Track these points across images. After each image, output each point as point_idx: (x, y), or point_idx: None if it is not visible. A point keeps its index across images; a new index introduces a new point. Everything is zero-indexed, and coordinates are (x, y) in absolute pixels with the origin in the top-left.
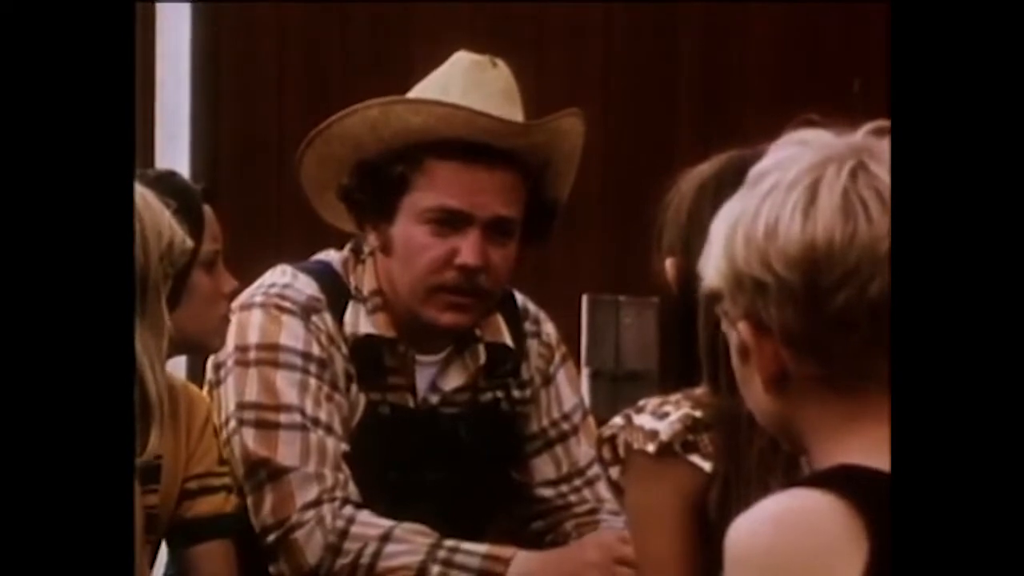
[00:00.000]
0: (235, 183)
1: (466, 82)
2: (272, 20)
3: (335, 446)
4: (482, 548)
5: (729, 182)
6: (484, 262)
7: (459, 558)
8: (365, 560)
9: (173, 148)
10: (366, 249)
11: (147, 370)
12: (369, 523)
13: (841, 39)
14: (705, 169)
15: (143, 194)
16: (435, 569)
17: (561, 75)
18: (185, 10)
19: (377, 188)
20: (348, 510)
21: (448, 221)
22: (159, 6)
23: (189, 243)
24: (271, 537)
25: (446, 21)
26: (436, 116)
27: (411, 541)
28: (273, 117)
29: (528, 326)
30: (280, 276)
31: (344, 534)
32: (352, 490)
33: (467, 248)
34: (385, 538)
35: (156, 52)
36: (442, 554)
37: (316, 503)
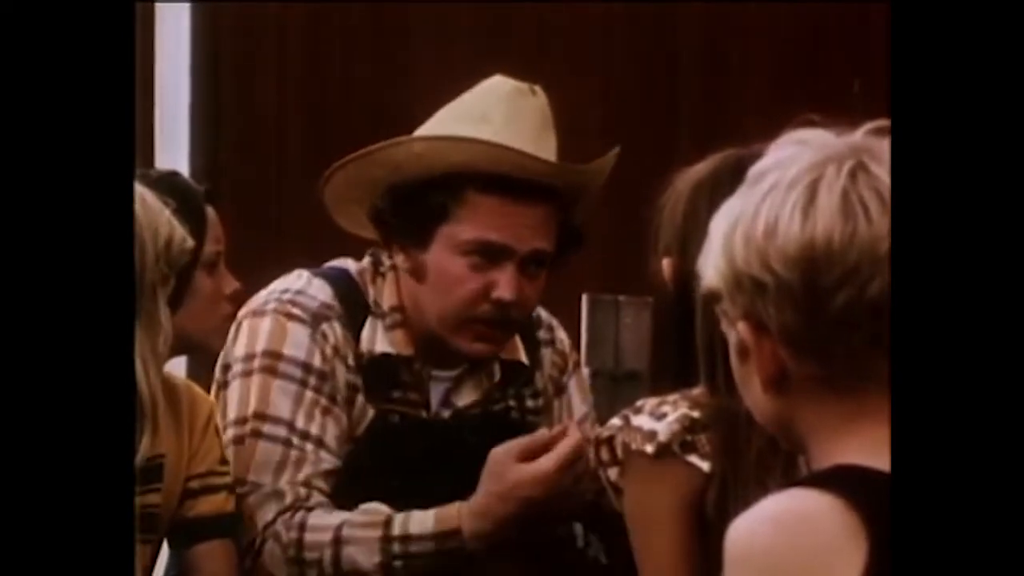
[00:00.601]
0: (235, 183)
1: (507, 111)
2: (272, 20)
3: (317, 461)
4: (429, 526)
5: (725, 182)
6: (520, 297)
7: (414, 548)
8: (328, 569)
9: (173, 148)
10: (386, 262)
11: (139, 370)
12: (319, 526)
13: (841, 39)
14: (701, 169)
15: (141, 194)
16: (397, 564)
17: (561, 75)
18: (185, 10)
19: (413, 214)
20: (298, 517)
21: (488, 254)
22: (159, 6)
23: (189, 242)
24: (247, 561)
25: (446, 21)
26: (482, 154)
27: (361, 541)
28: (273, 117)
29: (542, 334)
30: (295, 281)
31: (300, 544)
32: (315, 503)
33: (505, 283)
34: (337, 542)
35: (156, 52)
36: (396, 548)
37: (272, 522)
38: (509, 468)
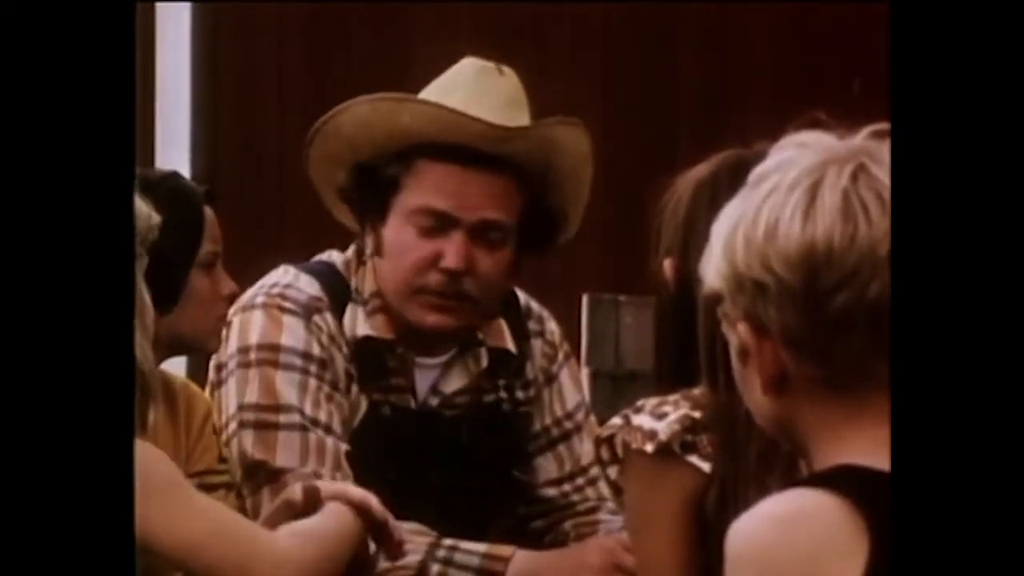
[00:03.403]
0: (235, 183)
1: (471, 88)
2: (272, 20)
3: (335, 446)
4: (481, 547)
5: (726, 182)
6: (467, 266)
7: (459, 557)
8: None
9: (173, 148)
10: (367, 251)
11: (136, 346)
12: None
13: (841, 39)
14: (702, 170)
15: None
16: (434, 568)
17: (561, 76)
18: (185, 10)
19: (371, 189)
20: None
21: (434, 222)
22: (159, 6)
23: (156, 217)
24: None
25: (446, 21)
26: (423, 116)
27: (410, 541)
28: (273, 117)
29: (532, 325)
30: (282, 276)
31: None
32: None
33: (450, 251)
34: None
35: (156, 52)
36: (441, 553)
37: None
38: (591, 546)
